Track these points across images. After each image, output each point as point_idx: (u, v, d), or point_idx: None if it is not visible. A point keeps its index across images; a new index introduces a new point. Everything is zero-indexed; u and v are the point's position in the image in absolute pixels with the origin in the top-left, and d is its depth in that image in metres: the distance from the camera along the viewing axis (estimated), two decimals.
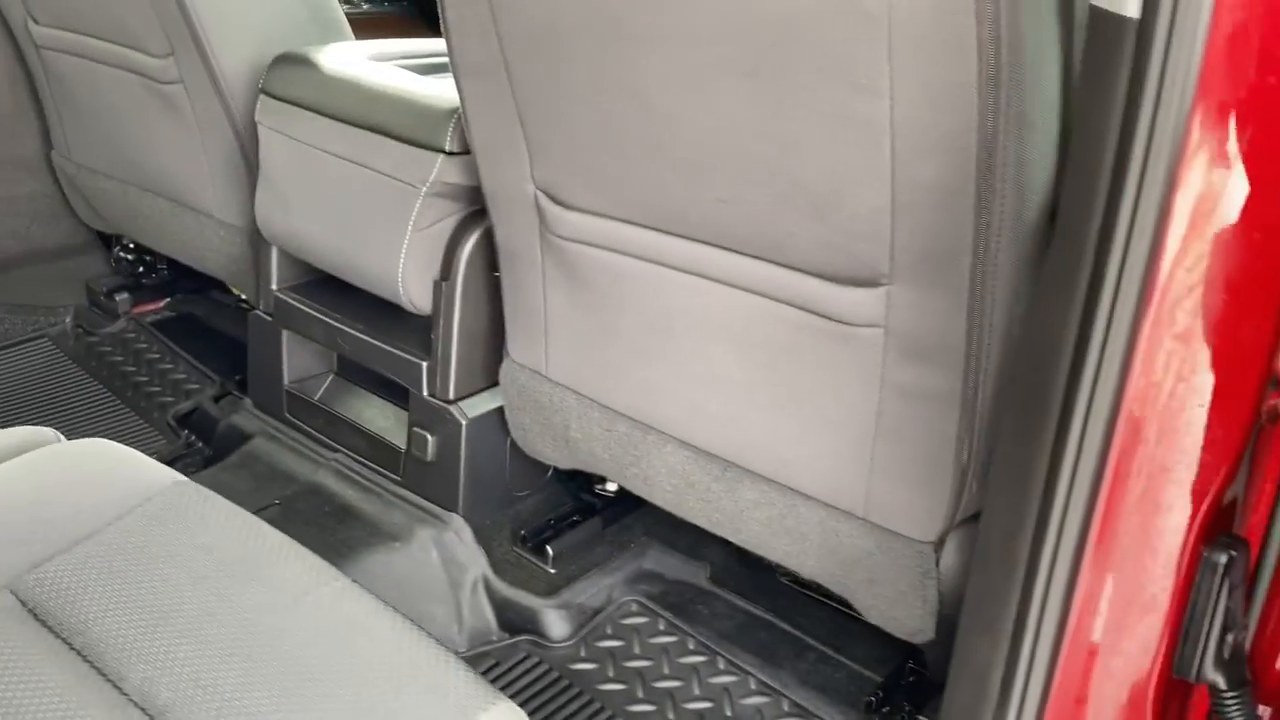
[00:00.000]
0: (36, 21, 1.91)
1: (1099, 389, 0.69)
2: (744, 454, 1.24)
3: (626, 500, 1.67)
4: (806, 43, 0.93)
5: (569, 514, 1.67)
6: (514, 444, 1.58)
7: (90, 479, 0.99)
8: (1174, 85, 0.62)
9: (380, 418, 1.71)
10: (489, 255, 1.49)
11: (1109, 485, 0.71)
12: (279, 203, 1.61)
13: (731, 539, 1.33)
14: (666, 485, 1.35)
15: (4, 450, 1.02)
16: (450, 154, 1.41)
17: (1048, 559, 0.74)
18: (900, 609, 1.18)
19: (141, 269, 2.36)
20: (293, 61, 1.60)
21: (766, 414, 1.20)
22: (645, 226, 1.20)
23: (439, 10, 1.22)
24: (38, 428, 1.08)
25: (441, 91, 1.46)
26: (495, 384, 1.59)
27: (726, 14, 0.96)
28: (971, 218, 0.93)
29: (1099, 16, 0.66)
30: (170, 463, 1.89)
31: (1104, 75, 0.65)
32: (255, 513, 1.60)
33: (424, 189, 1.43)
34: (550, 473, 1.70)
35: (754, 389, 1.20)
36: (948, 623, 1.15)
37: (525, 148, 1.26)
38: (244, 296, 2.32)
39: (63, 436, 1.08)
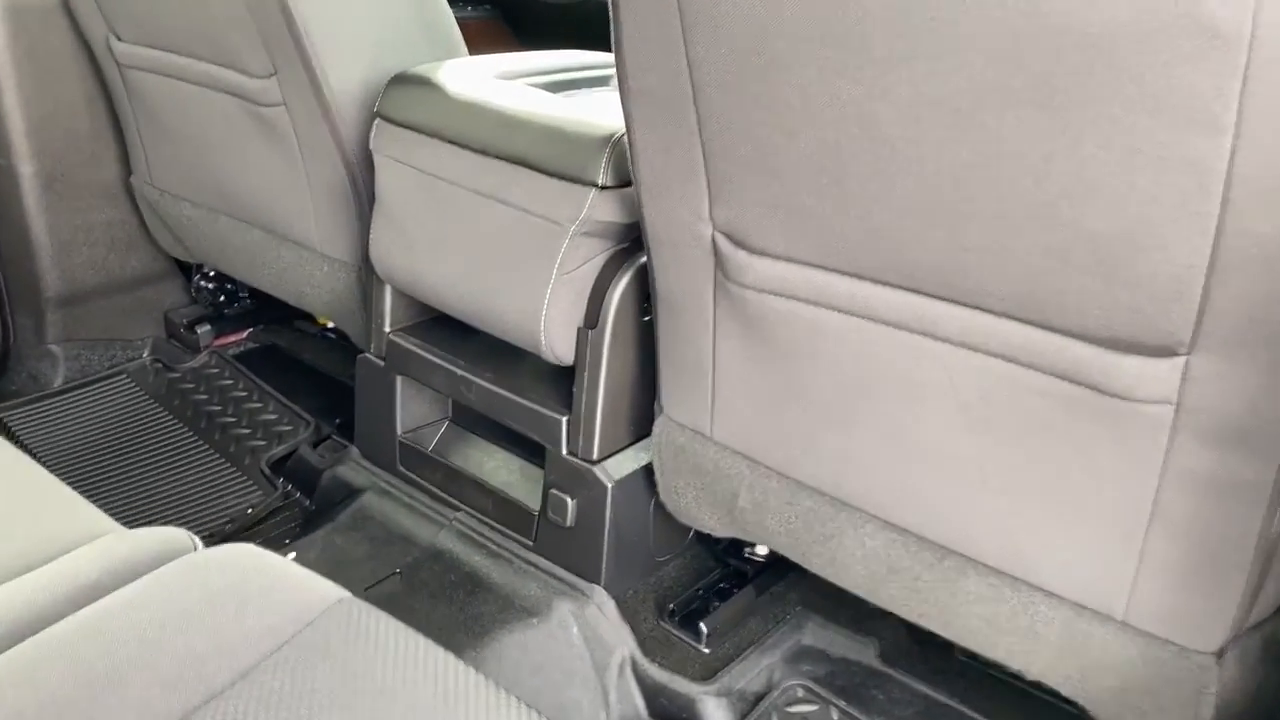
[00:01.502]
0: (119, 38, 1.76)
1: None
2: (968, 541, 1.07)
3: (779, 564, 1.50)
4: (1121, 66, 0.75)
5: (717, 582, 1.50)
6: (658, 504, 1.42)
7: (239, 597, 0.83)
8: None
9: (504, 471, 1.55)
10: (639, 298, 1.32)
11: None
12: (399, 240, 1.44)
13: (939, 631, 1.15)
14: (860, 570, 1.17)
15: (138, 561, 0.87)
16: (604, 188, 1.24)
17: None
18: None
19: (223, 298, 2.22)
20: (412, 82, 1.43)
21: (1003, 498, 1.02)
22: (856, 276, 1.03)
23: (611, 25, 1.05)
24: (172, 530, 0.92)
25: (589, 115, 1.29)
26: (640, 438, 1.42)
27: (1012, 30, 0.78)
28: None
29: None
30: (268, 517, 1.75)
31: None
32: (377, 584, 1.46)
33: (573, 228, 1.26)
34: (692, 533, 1.53)
35: (988, 468, 1.02)
36: None
37: (705, 184, 1.09)
38: (330, 325, 2.17)
39: (199, 541, 0.92)
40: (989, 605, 1.07)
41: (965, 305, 0.97)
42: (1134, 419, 0.90)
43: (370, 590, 1.43)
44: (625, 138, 1.22)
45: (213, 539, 1.64)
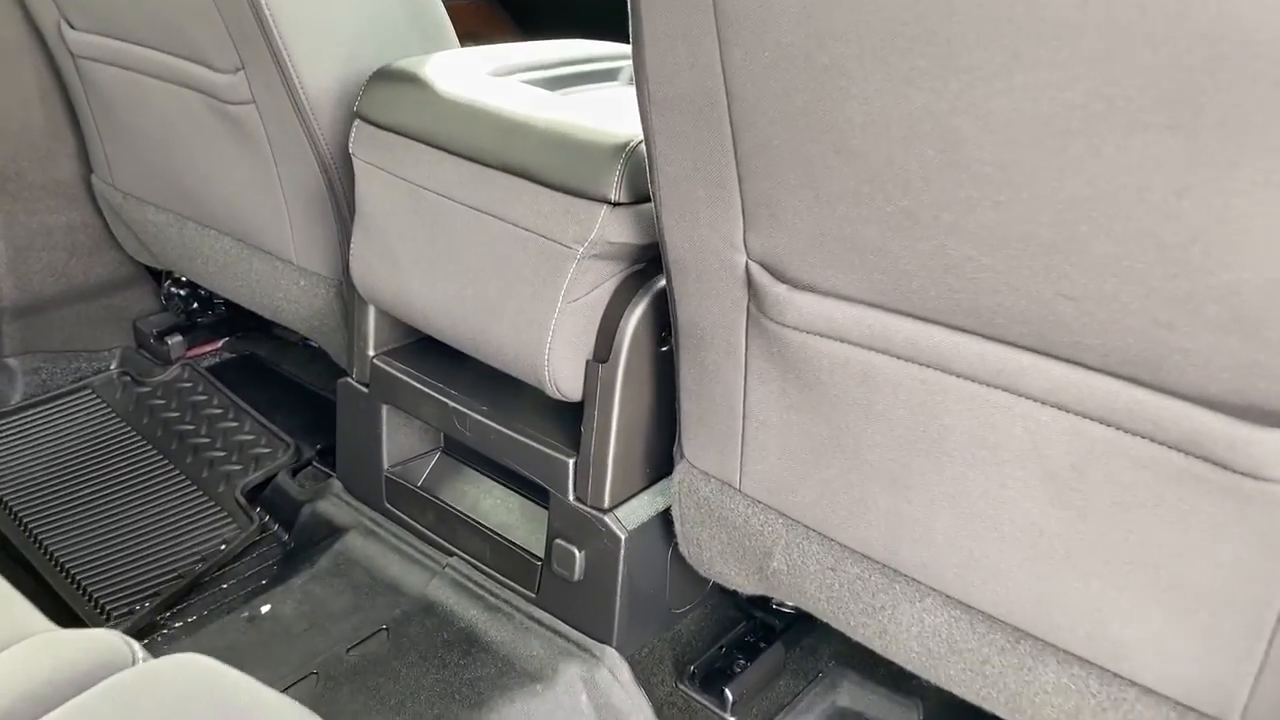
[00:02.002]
0: (72, 26, 1.58)
1: None
2: (1049, 626, 0.91)
3: (808, 615, 1.35)
4: None
5: (742, 637, 1.35)
6: (676, 552, 1.26)
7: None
8: None
9: (503, 511, 1.40)
10: (656, 326, 1.16)
11: None
12: (383, 256, 1.28)
13: (1007, 719, 1.00)
14: (915, 646, 1.02)
15: (61, 681, 0.71)
16: (617, 205, 1.08)
17: None
18: None
19: (196, 305, 2.05)
20: (395, 79, 1.26)
21: (1093, 580, 0.86)
22: (922, 319, 0.87)
23: (630, 21, 0.89)
24: (106, 633, 0.76)
25: (599, 120, 1.12)
26: (655, 480, 1.26)
27: (1149, 35, 0.62)
28: None
29: None
30: (243, 554, 1.60)
31: None
32: (360, 643, 1.31)
33: (581, 250, 1.09)
34: (712, 582, 1.37)
35: (1076, 545, 0.86)
36: None
37: (739, 207, 0.93)
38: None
39: (135, 646, 0.76)
40: (1070, 698, 0.92)
41: (1058, 359, 0.81)
42: (1265, 500, 0.75)
43: (353, 651, 1.28)
44: (642, 148, 1.06)
45: (181, 580, 1.49)
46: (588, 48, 1.48)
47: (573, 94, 1.35)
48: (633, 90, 1.41)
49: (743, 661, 1.30)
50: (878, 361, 0.91)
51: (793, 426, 1.02)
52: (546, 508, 1.36)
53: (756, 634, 1.35)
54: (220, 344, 2.07)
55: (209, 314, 2.05)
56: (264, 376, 2.01)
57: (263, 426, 1.83)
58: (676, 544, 1.24)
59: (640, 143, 1.07)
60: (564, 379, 1.16)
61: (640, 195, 1.08)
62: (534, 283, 1.13)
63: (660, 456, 1.25)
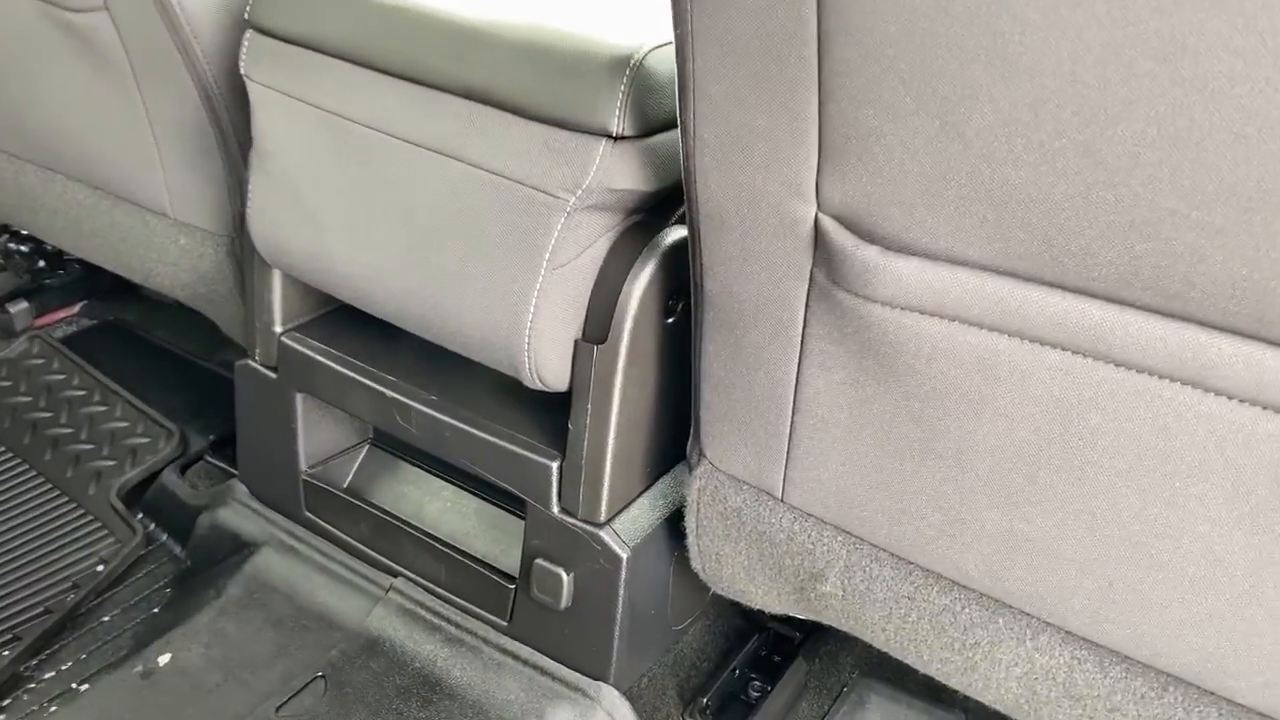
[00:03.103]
0: None
1: None
2: (1214, 671, 0.72)
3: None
4: None
5: (755, 654, 1.13)
6: (679, 562, 1.04)
7: None
8: None
9: (456, 517, 1.14)
10: (663, 293, 0.92)
11: None
12: (292, 208, 0.99)
13: None
14: (1017, 689, 0.82)
15: None
16: (620, 139, 0.81)
17: None
18: None
19: (43, 263, 1.70)
20: None
21: None
22: (1078, 292, 0.65)
23: None
24: None
25: (588, 23, 0.85)
26: (654, 480, 1.03)
27: None
28: None
29: None
30: (126, 577, 1.30)
31: None
32: (292, 698, 1.04)
33: (573, 200, 0.83)
34: (712, 590, 1.15)
35: (1266, 577, 0.66)
36: None
37: (814, 140, 0.68)
38: None
39: None
40: None
41: (1272, 344, 0.60)
42: None
43: (284, 710, 1.02)
44: (650, 61, 0.80)
45: (49, 615, 1.19)
46: None
47: None
48: None
49: (760, 684, 1.09)
50: (1003, 345, 0.69)
51: (866, 426, 0.79)
52: (512, 512, 1.12)
53: (770, 647, 1.14)
54: (75, 309, 1.73)
55: (60, 274, 1.70)
56: (133, 347, 1.68)
57: (138, 411, 1.51)
58: (679, 554, 1.02)
59: (647, 54, 0.81)
60: (548, 366, 0.91)
61: (650, 125, 0.82)
62: (507, 243, 0.87)
63: (662, 451, 1.01)
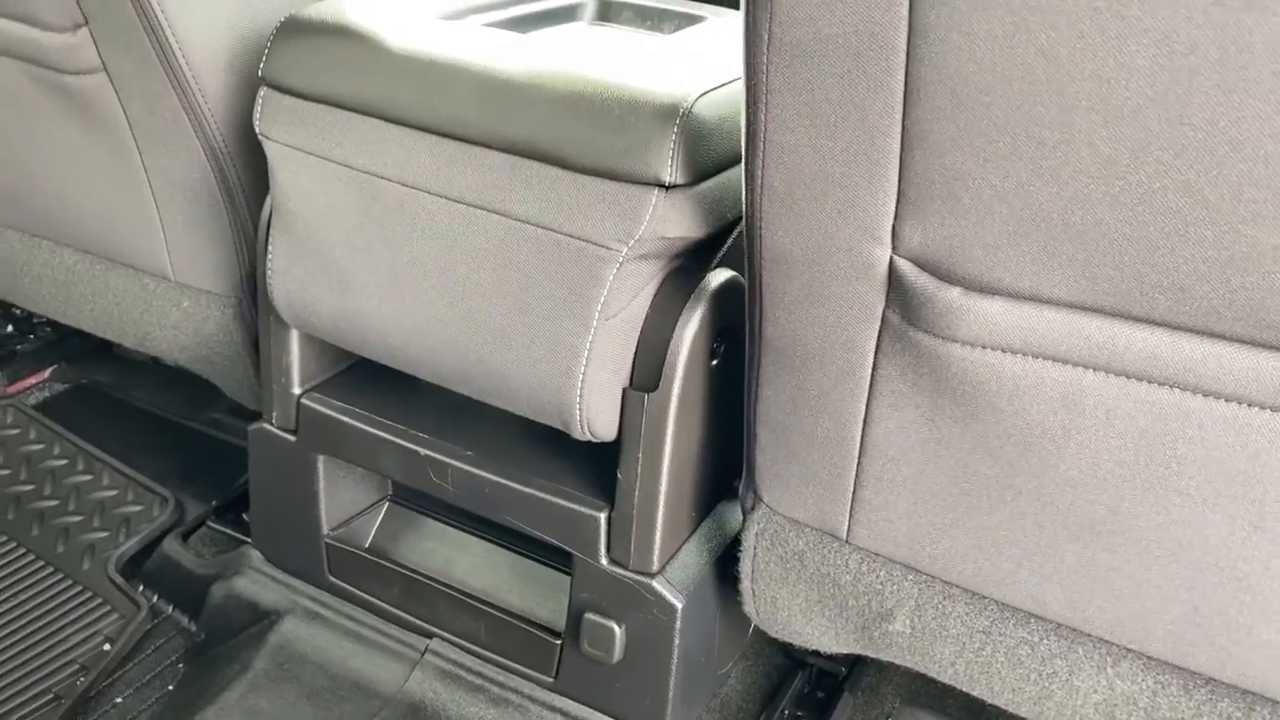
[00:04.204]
0: None
1: None
2: None
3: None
4: None
5: (801, 692, 1.12)
6: (725, 605, 1.03)
7: None
8: None
9: (488, 572, 1.12)
10: (709, 337, 0.91)
11: None
12: (320, 270, 0.96)
13: None
14: (1093, 715, 0.83)
15: None
16: (672, 187, 0.81)
17: None
18: None
19: (11, 327, 1.63)
20: (318, 30, 0.94)
21: None
22: (1170, 326, 0.65)
23: None
24: None
25: (634, 76, 0.84)
26: (699, 523, 1.02)
27: None
28: None
29: None
30: (136, 654, 1.24)
31: None
32: None
33: (625, 251, 0.82)
34: (752, 626, 1.14)
35: None
36: None
37: (894, 185, 0.68)
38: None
39: None
40: None
41: None
42: None
43: None
44: (700, 109, 0.80)
45: (59, 702, 1.14)
46: None
47: (546, 36, 1.06)
48: (618, 31, 1.13)
49: None
50: (1088, 381, 0.69)
51: (940, 464, 0.79)
52: (545, 562, 1.10)
53: (815, 684, 1.13)
54: (47, 373, 1.66)
55: (30, 338, 1.64)
56: (112, 410, 1.62)
57: (126, 477, 1.46)
58: (727, 597, 1.01)
59: (696, 101, 0.81)
60: (599, 416, 0.89)
61: (701, 173, 0.82)
62: (556, 296, 0.85)
63: (709, 494, 1.00)
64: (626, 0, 1.15)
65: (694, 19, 1.11)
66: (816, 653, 1.14)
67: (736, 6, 1.20)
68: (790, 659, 1.16)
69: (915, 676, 1.14)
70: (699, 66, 0.88)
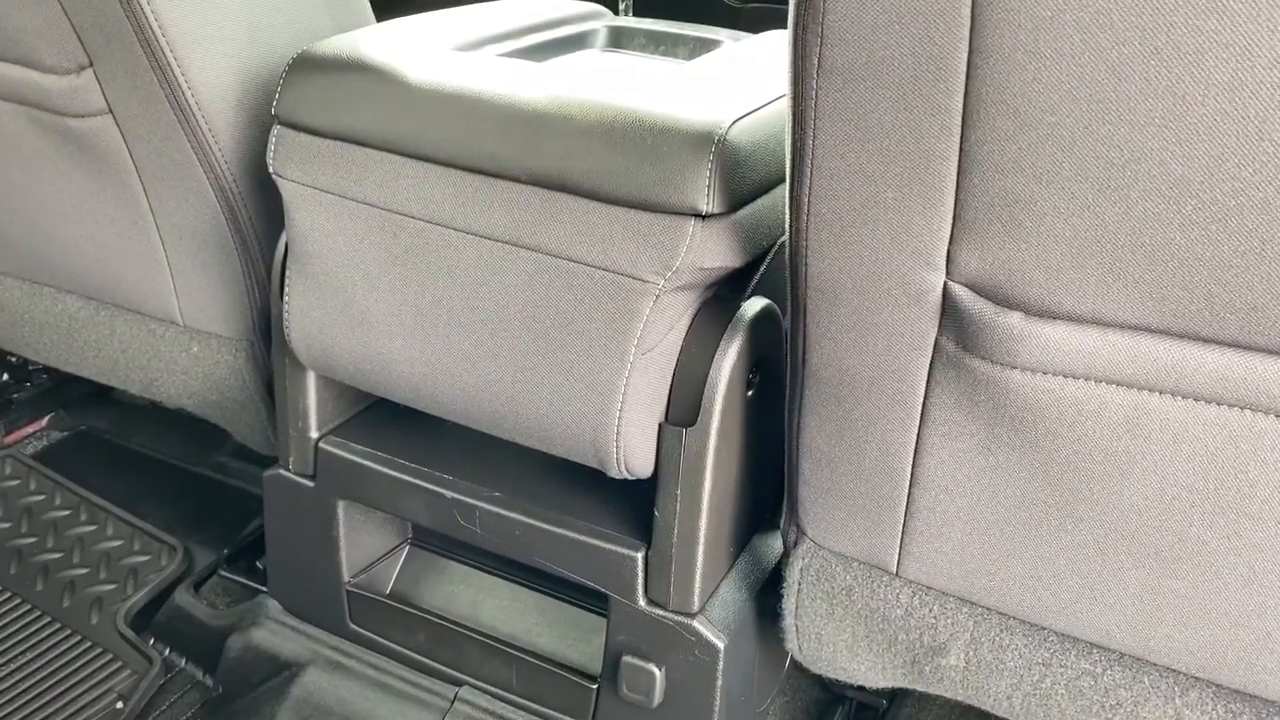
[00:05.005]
0: None
1: None
2: None
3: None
4: None
5: None
6: (764, 641, 1.00)
7: None
8: None
9: (518, 615, 1.08)
10: (746, 368, 0.88)
11: None
12: (340, 311, 0.93)
13: None
14: None
15: None
16: (709, 216, 0.78)
17: None
18: None
19: (7, 375, 1.59)
20: (331, 65, 0.91)
21: None
22: (1241, 347, 0.63)
23: None
24: None
25: (662, 103, 0.82)
26: (736, 559, 0.99)
27: None
28: None
29: None
30: (150, 711, 1.21)
31: None
32: None
33: (662, 284, 0.80)
34: (789, 660, 1.12)
35: None
36: None
37: (949, 209, 0.66)
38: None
39: None
40: None
41: None
42: None
43: None
44: (736, 135, 0.77)
45: None
46: (541, 8, 1.15)
47: (565, 66, 1.04)
48: (633, 58, 1.11)
49: None
50: (1154, 404, 0.67)
51: (996, 493, 0.76)
52: (575, 603, 1.07)
53: (852, 717, 1.11)
54: (44, 421, 1.62)
55: (26, 386, 1.60)
56: (112, 457, 1.59)
57: (131, 526, 1.42)
58: (767, 632, 0.98)
59: (730, 128, 0.78)
60: (636, 453, 0.87)
61: (737, 201, 0.79)
62: (590, 331, 0.83)
63: (745, 528, 0.98)
64: (639, 26, 1.13)
65: (710, 44, 1.09)
66: (856, 686, 1.12)
67: (737, 28, 1.19)
68: (829, 692, 1.13)
69: (956, 708, 1.12)
70: (726, 91, 0.86)
